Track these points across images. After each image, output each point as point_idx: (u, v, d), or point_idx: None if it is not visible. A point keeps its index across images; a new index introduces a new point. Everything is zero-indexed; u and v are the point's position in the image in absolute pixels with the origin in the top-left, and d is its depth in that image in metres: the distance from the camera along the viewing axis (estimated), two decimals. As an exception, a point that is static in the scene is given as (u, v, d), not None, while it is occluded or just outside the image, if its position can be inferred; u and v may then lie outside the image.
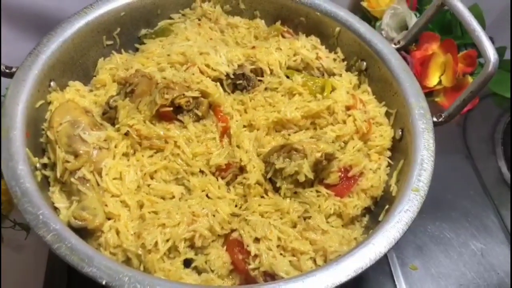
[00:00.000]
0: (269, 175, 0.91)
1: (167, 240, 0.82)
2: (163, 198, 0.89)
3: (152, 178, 0.91)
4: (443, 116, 0.98)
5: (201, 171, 0.92)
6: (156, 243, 0.80)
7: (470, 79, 1.38)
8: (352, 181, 0.93)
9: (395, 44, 1.10)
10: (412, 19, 1.39)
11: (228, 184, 0.93)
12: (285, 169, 0.89)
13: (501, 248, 1.19)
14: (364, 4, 1.47)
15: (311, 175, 0.88)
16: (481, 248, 1.18)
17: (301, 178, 0.88)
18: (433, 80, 1.36)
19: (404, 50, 1.24)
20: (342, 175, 0.92)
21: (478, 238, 1.20)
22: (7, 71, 0.93)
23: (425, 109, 0.96)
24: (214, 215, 0.86)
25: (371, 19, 1.46)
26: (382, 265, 0.77)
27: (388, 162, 0.98)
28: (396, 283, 1.11)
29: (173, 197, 0.89)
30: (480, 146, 1.40)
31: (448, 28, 1.45)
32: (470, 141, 1.40)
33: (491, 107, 1.45)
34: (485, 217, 1.25)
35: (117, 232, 0.82)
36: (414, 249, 1.16)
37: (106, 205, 0.85)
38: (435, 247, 1.18)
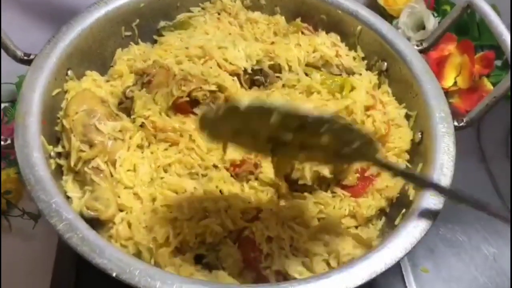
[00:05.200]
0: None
1: (179, 234, 0.81)
2: (176, 192, 0.88)
3: (165, 171, 0.89)
4: (464, 121, 0.95)
5: (215, 166, 0.91)
6: (167, 238, 0.80)
7: (486, 81, 1.37)
8: (368, 181, 0.92)
9: (417, 46, 1.08)
10: (430, 19, 1.38)
11: (242, 180, 0.92)
12: (303, 169, 0.87)
13: (513, 252, 1.17)
14: (381, 1, 1.46)
15: (330, 177, 0.87)
16: (493, 253, 1.16)
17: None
18: (448, 81, 1.35)
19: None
20: (359, 175, 0.91)
21: (490, 242, 1.18)
22: (25, 58, 0.93)
23: (446, 113, 0.94)
24: (226, 211, 0.85)
25: (387, 18, 1.45)
26: (393, 267, 0.76)
27: (407, 165, 0.96)
28: (407, 285, 1.09)
29: (186, 191, 0.88)
30: (495, 149, 1.37)
31: (465, 28, 1.44)
32: (485, 144, 1.38)
33: (506, 110, 1.43)
34: (498, 220, 1.22)
35: (129, 225, 0.82)
36: (426, 252, 1.15)
37: (118, 197, 0.84)
38: (447, 250, 1.16)
